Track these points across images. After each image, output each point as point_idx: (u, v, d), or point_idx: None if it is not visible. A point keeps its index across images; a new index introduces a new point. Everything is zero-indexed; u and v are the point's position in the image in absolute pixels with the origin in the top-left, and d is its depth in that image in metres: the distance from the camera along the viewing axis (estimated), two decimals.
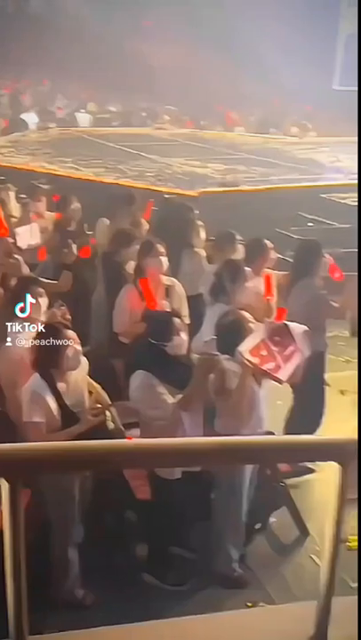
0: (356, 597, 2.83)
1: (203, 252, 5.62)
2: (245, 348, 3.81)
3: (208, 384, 3.74)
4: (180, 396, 3.68)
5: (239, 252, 5.31)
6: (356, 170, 10.78)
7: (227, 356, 3.81)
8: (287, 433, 4.61)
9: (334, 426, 4.83)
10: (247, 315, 4.01)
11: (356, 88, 14.89)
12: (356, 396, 4.62)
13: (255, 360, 3.80)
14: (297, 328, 4.01)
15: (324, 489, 2.68)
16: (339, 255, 5.56)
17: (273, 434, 4.05)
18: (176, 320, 3.92)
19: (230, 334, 3.89)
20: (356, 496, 4.55)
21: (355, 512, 4.40)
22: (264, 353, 3.87)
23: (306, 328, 4.04)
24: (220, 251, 5.39)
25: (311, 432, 4.54)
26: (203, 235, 5.79)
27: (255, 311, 4.40)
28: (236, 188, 10.44)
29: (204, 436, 3.55)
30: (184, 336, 3.88)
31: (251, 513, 4.05)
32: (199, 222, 5.83)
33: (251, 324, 3.97)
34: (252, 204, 9.03)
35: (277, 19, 14.91)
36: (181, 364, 3.83)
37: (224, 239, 5.47)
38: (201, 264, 5.53)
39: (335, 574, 2.19)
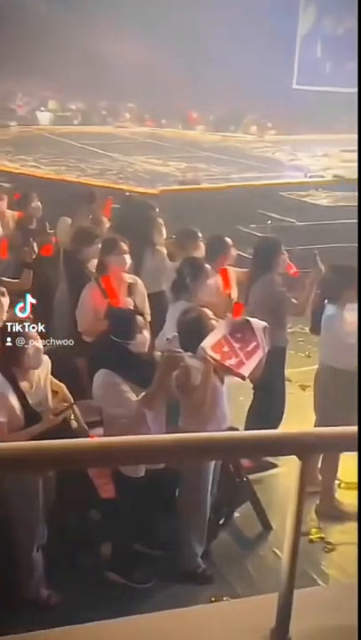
0: (316, 588, 2.89)
1: (164, 250, 5.63)
2: (208, 344, 3.84)
3: (171, 381, 3.75)
4: (143, 393, 3.69)
5: (200, 250, 5.33)
6: (315, 167, 10.93)
7: (189, 353, 3.83)
8: (249, 428, 4.65)
9: (296, 421, 4.89)
10: (209, 312, 4.04)
11: (317, 87, 15.10)
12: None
13: (217, 356, 3.84)
14: (258, 324, 4.06)
15: (286, 483, 2.72)
16: (297, 252, 5.64)
17: (236, 429, 4.09)
18: (139, 318, 3.92)
19: (192, 331, 3.91)
20: (317, 489, 4.64)
21: (314, 505, 4.49)
22: (226, 349, 3.91)
23: (266, 324, 4.09)
24: (182, 248, 5.41)
25: (273, 427, 4.58)
26: (164, 232, 5.81)
27: (217, 308, 4.43)
28: (196, 186, 10.47)
29: (168, 433, 3.57)
30: (147, 334, 3.89)
31: (214, 508, 4.09)
32: (160, 220, 5.84)
33: (212, 321, 4.00)
34: (213, 202, 9.07)
35: (237, 18, 14.99)
36: (144, 361, 3.83)
37: (185, 236, 5.49)
38: (163, 261, 5.54)
39: (295, 567, 2.22)
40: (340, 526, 4.38)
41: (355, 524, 4.30)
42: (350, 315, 4.38)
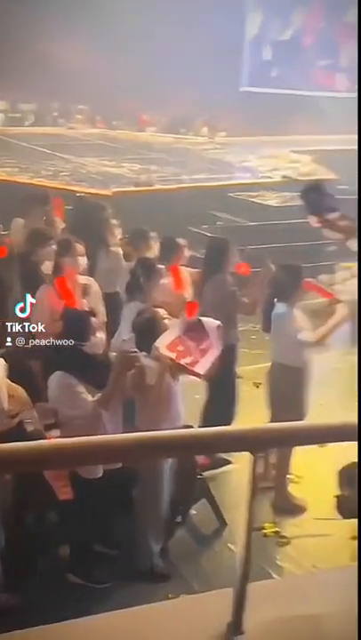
0: (270, 581, 2.96)
1: (119, 250, 5.66)
2: (162, 344, 3.89)
3: (126, 381, 3.79)
4: (99, 394, 3.71)
5: (153, 250, 5.38)
6: (264, 169, 11.08)
7: (144, 353, 3.87)
8: (203, 426, 4.71)
9: (250, 417, 4.98)
10: (162, 311, 4.09)
11: (264, 89, 15.31)
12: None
13: (172, 355, 3.89)
14: (211, 323, 4.14)
15: (240, 479, 2.79)
16: (248, 252, 5.73)
17: (191, 427, 4.14)
18: (93, 319, 3.94)
19: (147, 331, 3.96)
20: (271, 484, 4.73)
21: (269, 500, 4.59)
22: (181, 348, 3.97)
23: (219, 323, 4.16)
24: (135, 249, 5.45)
25: (227, 424, 4.66)
26: (117, 233, 5.83)
27: (171, 308, 4.49)
28: (149, 188, 10.51)
29: (124, 432, 3.60)
30: (101, 335, 3.92)
31: (171, 507, 4.13)
32: (113, 221, 5.86)
33: (166, 321, 4.05)
34: (166, 203, 9.12)
35: (185, 21, 15.09)
36: (100, 362, 3.86)
37: (138, 237, 5.53)
38: (117, 262, 5.56)
39: (250, 561, 2.28)
40: (293, 520, 4.48)
41: (307, 517, 4.42)
42: (300, 313, 4.49)
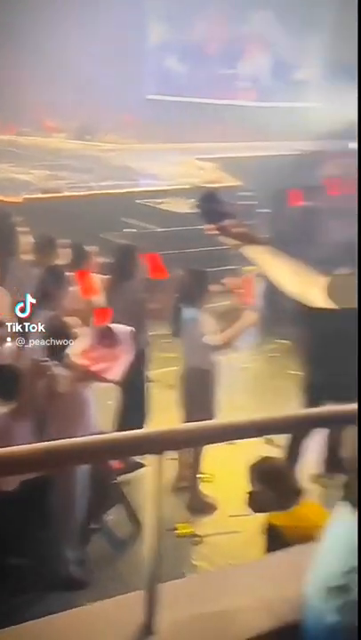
0: (183, 580, 3.04)
1: (27, 258, 5.61)
2: (74, 351, 3.91)
3: (38, 391, 3.78)
4: (10, 405, 3.69)
5: (62, 258, 5.38)
6: (171, 175, 11.23)
7: (55, 362, 3.88)
8: (117, 431, 4.75)
9: (162, 419, 5.06)
10: (73, 319, 4.11)
11: (171, 98, 15.52)
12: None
13: (84, 363, 3.92)
14: (122, 329, 4.20)
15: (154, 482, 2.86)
16: (157, 257, 5.82)
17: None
18: (1, 329, 3.91)
19: (57, 340, 3.96)
20: (186, 484, 4.82)
21: (183, 500, 4.69)
22: (93, 355, 4.01)
23: (130, 329, 4.23)
24: (43, 256, 5.42)
25: (140, 427, 4.72)
26: (26, 240, 5.78)
27: (81, 315, 4.51)
28: (59, 195, 10.43)
29: (37, 442, 3.58)
30: (11, 344, 3.89)
31: (87, 513, 4.15)
32: (22, 228, 5.81)
33: (77, 329, 4.07)
34: (76, 210, 9.09)
35: (91, 29, 15.07)
36: (10, 372, 3.83)
37: (46, 245, 5.51)
38: (26, 270, 5.51)
39: (159, 562, 2.35)
40: (205, 519, 4.60)
41: (219, 515, 4.55)
42: (207, 317, 4.63)
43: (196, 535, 4.43)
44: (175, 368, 5.10)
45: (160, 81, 16.04)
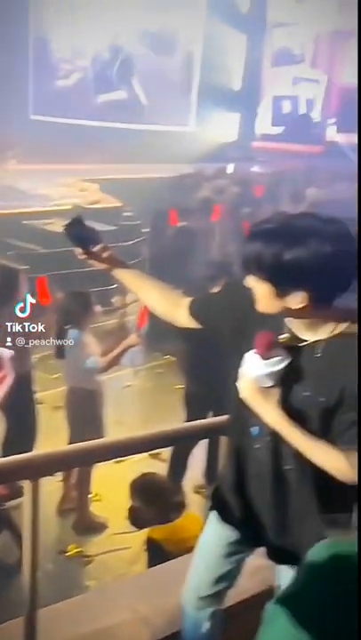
0: (69, 601, 3.05)
1: None
2: None
3: None
4: None
5: None
6: (55, 197, 11.24)
7: None
8: (4, 456, 4.69)
9: (50, 441, 5.04)
10: None
11: (52, 119, 15.49)
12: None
13: None
14: (4, 352, 4.16)
15: (44, 505, 2.86)
16: (44, 281, 5.80)
17: None
18: None
19: None
20: (72, 505, 4.81)
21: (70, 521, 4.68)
22: None
23: (12, 352, 4.20)
24: None
25: (28, 450, 4.67)
26: None
27: None
28: None
29: None
30: None
31: None
32: None
33: None
34: None
35: None
36: None
37: None
38: None
39: (37, 585, 2.36)
40: (95, 538, 4.62)
41: (107, 534, 4.58)
42: (90, 338, 4.68)
43: (85, 555, 4.43)
44: (62, 389, 5.11)
45: (44, 102, 16.00)
